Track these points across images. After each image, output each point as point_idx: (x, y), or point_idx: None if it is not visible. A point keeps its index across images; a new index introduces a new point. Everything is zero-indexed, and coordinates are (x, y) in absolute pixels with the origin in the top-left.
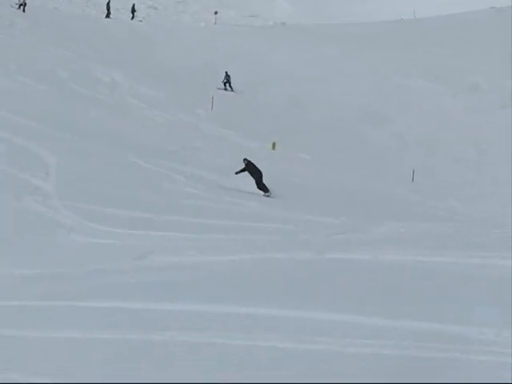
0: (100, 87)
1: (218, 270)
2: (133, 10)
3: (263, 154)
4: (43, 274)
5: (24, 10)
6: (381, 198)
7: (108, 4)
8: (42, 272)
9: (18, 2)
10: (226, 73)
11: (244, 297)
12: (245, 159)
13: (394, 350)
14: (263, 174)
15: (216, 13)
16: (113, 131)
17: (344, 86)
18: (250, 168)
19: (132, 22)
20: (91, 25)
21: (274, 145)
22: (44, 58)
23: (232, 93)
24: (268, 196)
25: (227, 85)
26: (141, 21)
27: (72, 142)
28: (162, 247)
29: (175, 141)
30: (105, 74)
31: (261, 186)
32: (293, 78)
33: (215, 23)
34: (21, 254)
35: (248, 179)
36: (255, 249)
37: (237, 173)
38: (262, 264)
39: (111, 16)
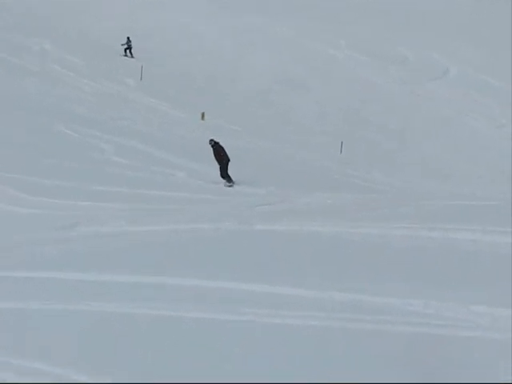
0: (28, 56)
1: (146, 240)
2: None
3: (193, 125)
4: None
5: None
6: (309, 169)
7: None
8: None
9: None
10: (128, 38)
11: (171, 267)
12: (211, 140)
13: (323, 321)
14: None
15: None
16: (40, 99)
17: (271, 57)
18: (218, 150)
19: None
20: None
21: (203, 115)
22: None
23: (161, 64)
24: (231, 186)
25: (127, 51)
26: None
27: None
28: (89, 217)
29: (104, 110)
30: (33, 43)
31: (225, 173)
32: (218, 49)
33: None
34: None
35: (175, 151)
36: (182, 219)
37: (218, 162)
38: (189, 234)
39: None
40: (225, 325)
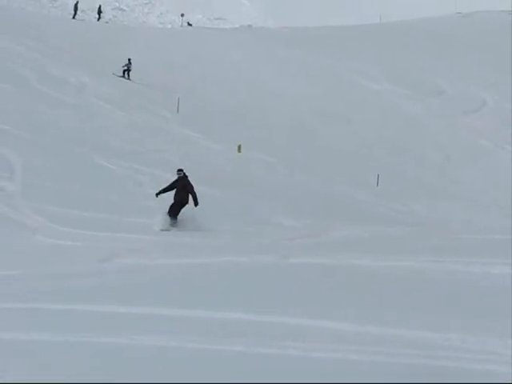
0: (66, 88)
1: (183, 273)
2: (99, 12)
3: (229, 157)
4: (7, 276)
5: None
6: (345, 202)
7: (76, 5)
8: (5, 274)
9: None
10: (129, 60)
11: (209, 301)
12: (180, 170)
13: (360, 355)
14: (185, 204)
15: (182, 15)
16: (78, 132)
17: (308, 89)
18: (179, 184)
19: (98, 23)
20: (58, 26)
21: (239, 147)
22: (10, 58)
23: (198, 95)
24: (166, 230)
25: (126, 73)
26: (107, 22)
27: (38, 142)
28: (127, 249)
29: (141, 142)
30: (71, 75)
31: (173, 212)
32: (256, 80)
33: (181, 25)
34: None
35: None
36: (219, 252)
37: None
38: (226, 268)
39: (77, 17)
40: (267, 359)
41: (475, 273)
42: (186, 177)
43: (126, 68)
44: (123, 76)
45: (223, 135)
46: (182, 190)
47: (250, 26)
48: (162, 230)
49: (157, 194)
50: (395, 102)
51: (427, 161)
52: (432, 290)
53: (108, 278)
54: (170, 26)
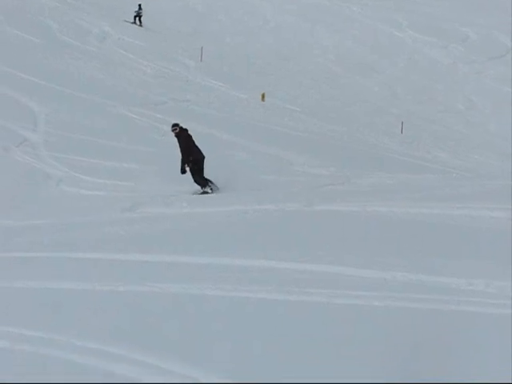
0: (89, 38)
1: (209, 222)
2: None
3: (253, 105)
4: (33, 225)
5: None
6: (370, 149)
7: None
8: (31, 223)
9: None
10: (140, 6)
11: (235, 248)
12: (175, 125)
13: (384, 301)
14: (204, 158)
15: None
16: (102, 82)
17: (332, 37)
18: (184, 141)
19: None
20: None
21: (263, 96)
22: (33, 8)
23: (216, 44)
24: (207, 193)
25: (136, 18)
26: None
27: (61, 92)
28: (150, 199)
29: (165, 92)
30: (94, 25)
31: (198, 176)
32: (281, 29)
33: None
34: (9, 205)
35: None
36: (245, 200)
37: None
38: (252, 215)
39: None
40: (291, 305)
41: (500, 218)
42: (184, 129)
43: (136, 14)
44: (134, 22)
45: (247, 84)
46: (193, 149)
47: None
48: (203, 193)
49: (183, 171)
50: (420, 49)
51: (452, 108)
52: (456, 235)
53: (131, 227)
54: None
